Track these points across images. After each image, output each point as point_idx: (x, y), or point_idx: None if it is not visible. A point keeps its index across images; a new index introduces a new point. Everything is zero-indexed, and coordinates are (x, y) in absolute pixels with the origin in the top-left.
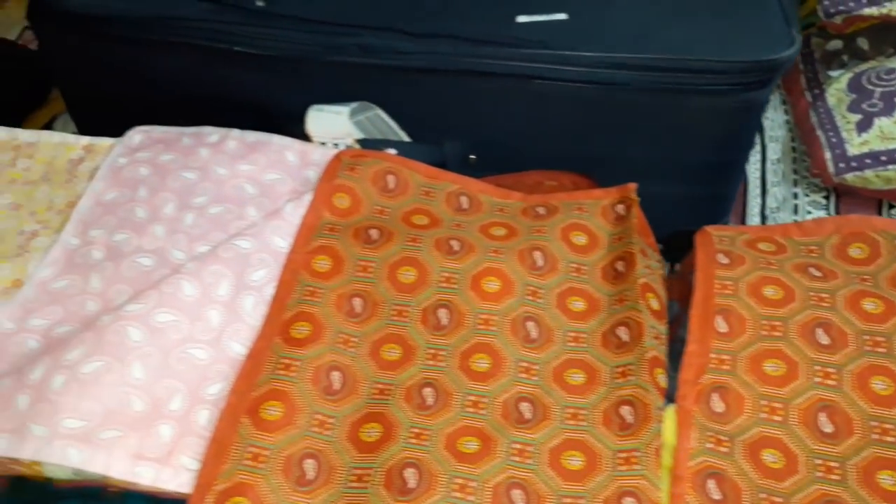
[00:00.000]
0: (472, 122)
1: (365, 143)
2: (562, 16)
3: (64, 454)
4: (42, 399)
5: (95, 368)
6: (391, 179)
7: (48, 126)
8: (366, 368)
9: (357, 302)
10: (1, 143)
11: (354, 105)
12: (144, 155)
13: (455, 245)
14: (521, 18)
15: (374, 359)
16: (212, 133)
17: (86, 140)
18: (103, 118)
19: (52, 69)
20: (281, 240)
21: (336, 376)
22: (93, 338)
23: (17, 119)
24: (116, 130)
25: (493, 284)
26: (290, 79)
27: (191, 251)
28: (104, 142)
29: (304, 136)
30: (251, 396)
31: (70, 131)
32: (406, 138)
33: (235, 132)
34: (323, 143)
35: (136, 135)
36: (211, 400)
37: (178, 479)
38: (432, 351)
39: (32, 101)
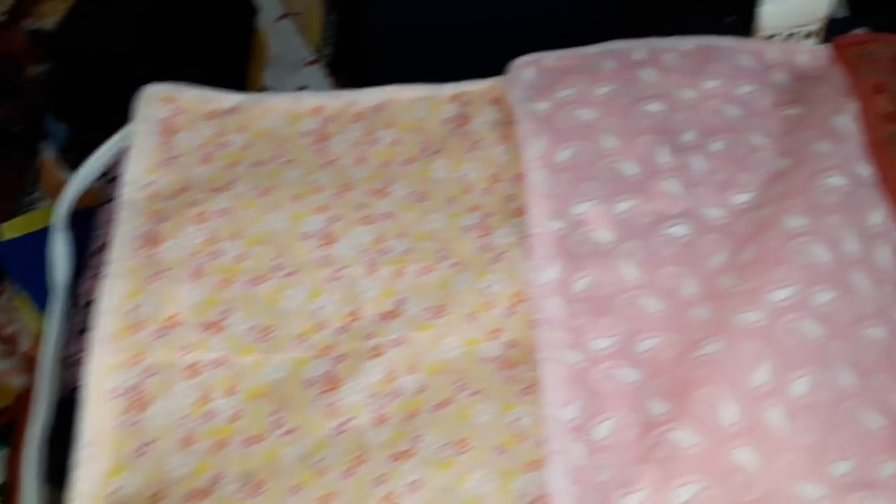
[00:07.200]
0: None
1: (835, 24)
2: None
3: None
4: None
5: (807, 389)
6: None
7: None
8: None
9: None
10: (336, 112)
11: None
12: (567, 93)
13: None
14: None
15: None
16: (633, 49)
17: (449, 89)
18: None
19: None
20: (861, 166)
21: None
22: (755, 344)
23: (240, 77)
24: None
25: None
26: None
27: (728, 205)
28: (475, 86)
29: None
30: None
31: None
32: None
33: (660, 43)
34: (770, 37)
35: (527, 69)
36: None
37: None
38: None
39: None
